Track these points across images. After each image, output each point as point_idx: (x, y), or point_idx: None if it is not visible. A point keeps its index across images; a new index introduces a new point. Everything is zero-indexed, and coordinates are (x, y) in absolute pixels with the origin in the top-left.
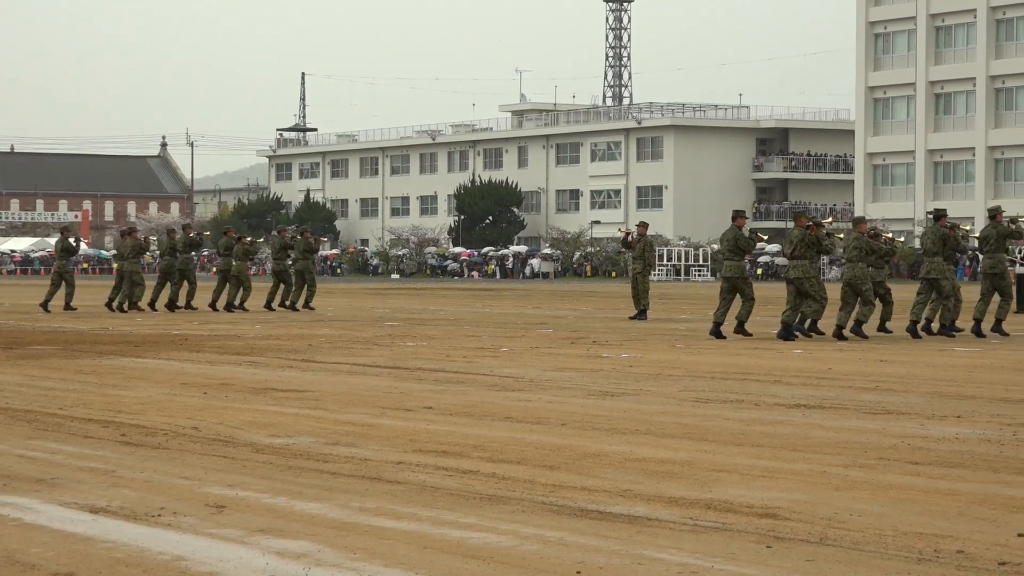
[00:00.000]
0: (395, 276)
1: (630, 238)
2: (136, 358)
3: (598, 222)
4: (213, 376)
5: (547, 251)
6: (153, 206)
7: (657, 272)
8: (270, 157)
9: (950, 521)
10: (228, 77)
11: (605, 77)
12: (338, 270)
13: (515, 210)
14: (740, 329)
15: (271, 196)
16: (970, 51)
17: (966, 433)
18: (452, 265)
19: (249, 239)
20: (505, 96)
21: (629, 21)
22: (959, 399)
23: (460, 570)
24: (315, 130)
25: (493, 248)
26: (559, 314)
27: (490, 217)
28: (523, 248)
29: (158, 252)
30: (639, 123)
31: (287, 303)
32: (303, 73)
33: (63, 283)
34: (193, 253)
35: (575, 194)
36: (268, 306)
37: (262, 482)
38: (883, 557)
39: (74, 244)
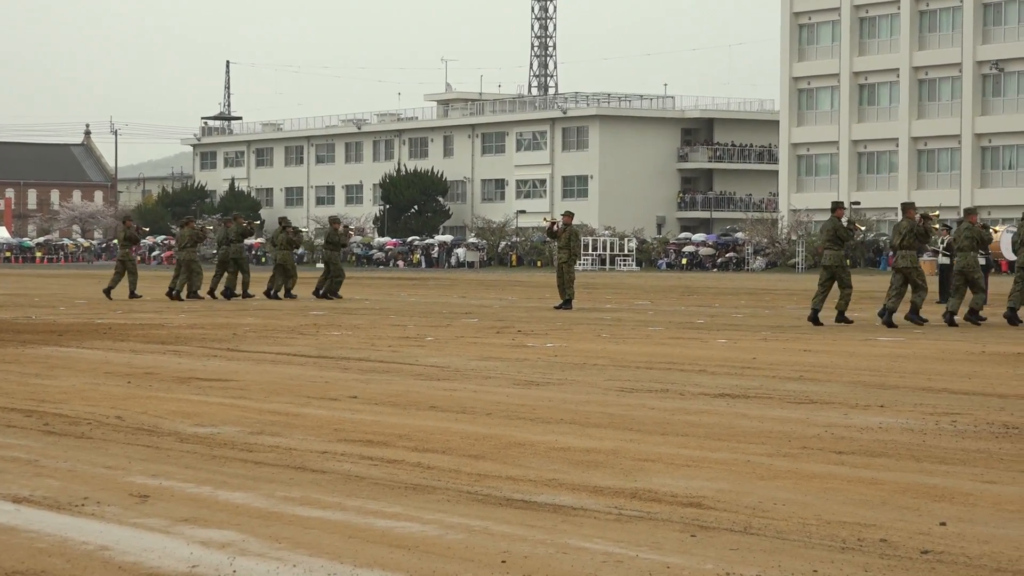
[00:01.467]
0: (320, 265)
1: (555, 228)
2: (59, 347)
3: (523, 211)
4: (137, 365)
5: (472, 240)
6: (77, 194)
7: (582, 262)
8: (195, 146)
9: (873, 510)
10: (153, 65)
11: (531, 67)
12: (263, 259)
13: (440, 199)
14: (841, 318)
15: (195, 185)
16: (894, 42)
17: (889, 422)
18: (377, 254)
19: (295, 229)
20: (431, 85)
21: (555, 11)
22: (882, 389)
23: (385, 559)
24: (240, 119)
25: (418, 237)
26: (484, 303)
27: (415, 206)
28: (448, 237)
29: (216, 241)
30: (565, 113)
31: (188, 291)
32: (228, 62)
33: (126, 272)
34: (245, 242)
35: (500, 183)
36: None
37: (186, 471)
38: (807, 546)
39: (137, 233)
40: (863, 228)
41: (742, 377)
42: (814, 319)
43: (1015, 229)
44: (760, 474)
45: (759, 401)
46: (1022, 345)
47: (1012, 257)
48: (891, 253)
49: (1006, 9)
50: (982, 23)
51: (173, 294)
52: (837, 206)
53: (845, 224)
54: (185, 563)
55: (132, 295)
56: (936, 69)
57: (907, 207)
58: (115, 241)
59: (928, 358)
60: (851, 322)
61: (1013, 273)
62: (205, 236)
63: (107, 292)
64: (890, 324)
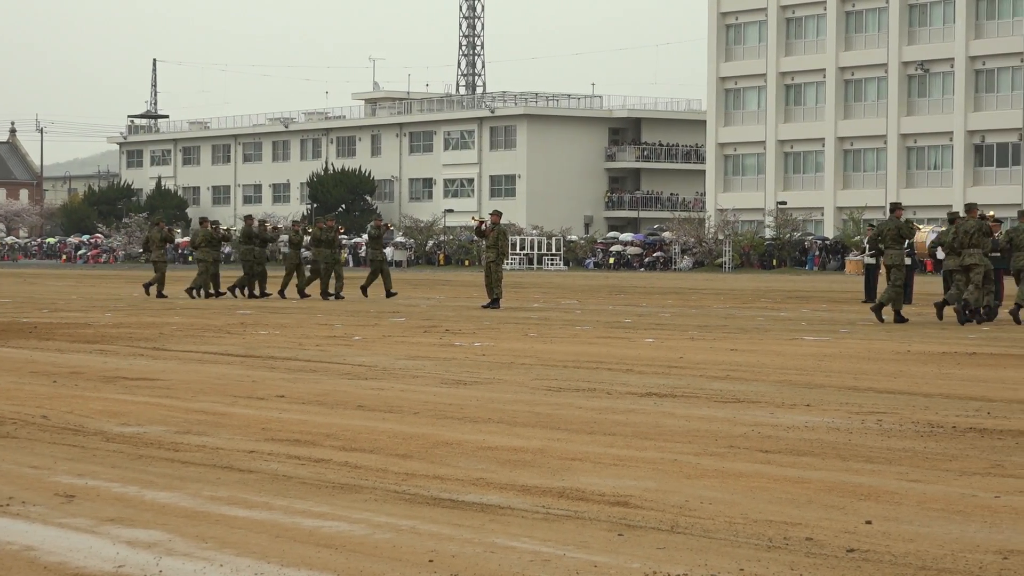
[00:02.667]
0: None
1: (483, 227)
2: None
3: (451, 211)
4: (63, 364)
5: (400, 239)
6: (2, 193)
7: (510, 261)
8: (121, 144)
9: (799, 508)
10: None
11: (459, 66)
12: (189, 258)
13: (368, 198)
14: (879, 310)
15: (122, 183)
16: (820, 42)
17: (815, 421)
18: (305, 253)
19: (330, 225)
20: (358, 84)
21: (483, 10)
22: (808, 388)
23: (312, 559)
24: (167, 117)
25: (346, 236)
26: (412, 302)
27: (343, 205)
28: None
29: (288, 242)
30: (492, 112)
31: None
32: (155, 60)
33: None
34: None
35: (428, 183)
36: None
37: (112, 471)
38: (733, 544)
39: (169, 234)
40: (920, 227)
41: (669, 376)
42: (878, 313)
43: (941, 229)
44: (687, 473)
45: (686, 400)
46: (947, 345)
47: (938, 257)
48: (945, 253)
49: (931, 10)
50: (907, 24)
51: (222, 292)
52: (896, 207)
53: (905, 223)
54: (111, 563)
55: (160, 295)
56: (862, 70)
57: (970, 208)
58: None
59: (854, 357)
60: (893, 321)
61: (939, 273)
62: (228, 238)
63: (161, 293)
64: (982, 318)
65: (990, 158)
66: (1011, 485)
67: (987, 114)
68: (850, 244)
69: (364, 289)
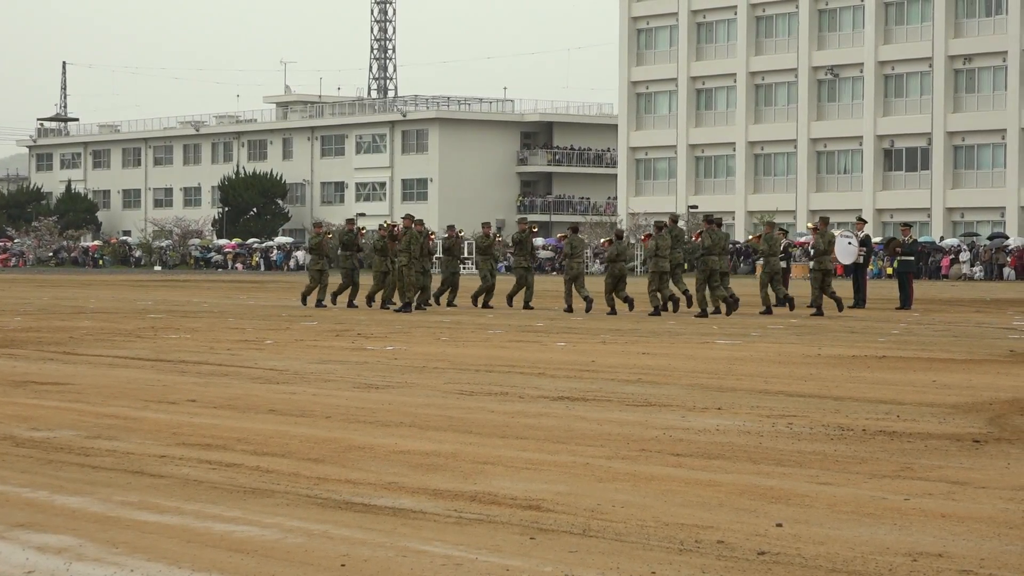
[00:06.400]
0: (158, 268)
1: (395, 231)
2: None
3: (363, 214)
4: None
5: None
6: None
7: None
8: (30, 147)
9: (711, 512)
10: None
11: (370, 69)
12: (100, 261)
13: (280, 202)
14: None
15: (32, 187)
16: (731, 47)
17: (726, 424)
18: (216, 257)
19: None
20: (270, 87)
21: (394, 14)
22: (720, 391)
23: (224, 563)
24: (76, 120)
25: (258, 240)
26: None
27: (255, 209)
28: (288, 240)
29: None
30: (404, 116)
31: None
32: (64, 62)
33: (322, 275)
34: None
35: (340, 186)
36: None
37: (22, 476)
38: (645, 548)
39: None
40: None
41: (581, 380)
42: None
43: (849, 234)
44: (599, 476)
45: (598, 404)
46: (857, 348)
47: (847, 261)
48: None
49: (841, 15)
50: (817, 29)
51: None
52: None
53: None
54: (20, 568)
55: (319, 304)
56: (772, 74)
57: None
58: (306, 246)
59: (765, 361)
60: None
61: (847, 276)
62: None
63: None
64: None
65: (899, 163)
66: (920, 487)
67: (896, 119)
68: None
69: (510, 298)
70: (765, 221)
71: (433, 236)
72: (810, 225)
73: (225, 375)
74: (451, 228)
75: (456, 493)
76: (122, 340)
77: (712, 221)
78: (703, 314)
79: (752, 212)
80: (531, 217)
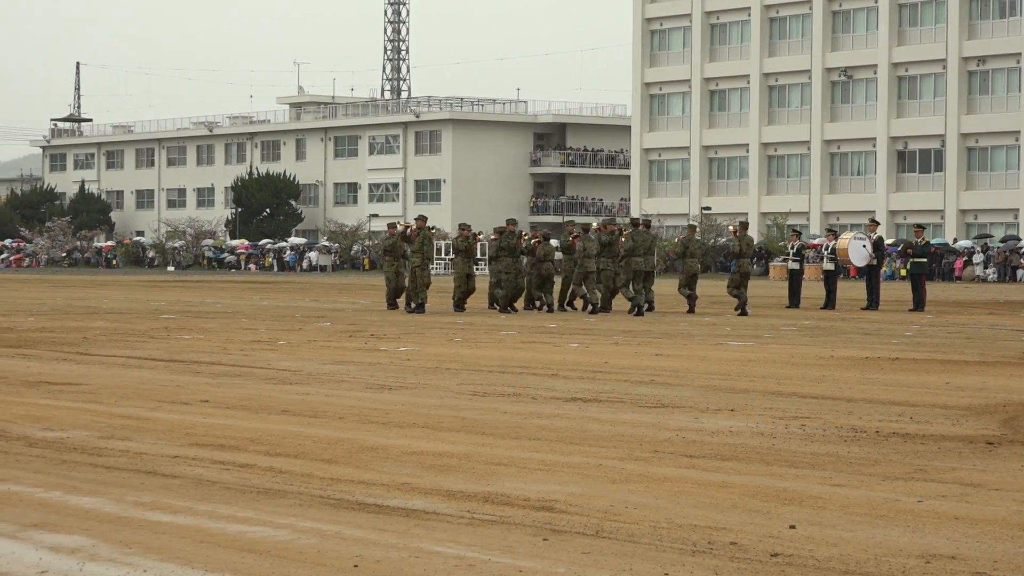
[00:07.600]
0: (171, 268)
1: (409, 232)
2: None
3: (376, 215)
4: None
5: (325, 244)
6: None
7: (435, 266)
8: (44, 147)
9: (723, 513)
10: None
11: (383, 70)
12: (113, 262)
13: (293, 203)
14: None
15: (45, 187)
16: (744, 48)
17: (739, 426)
18: (229, 258)
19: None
20: (283, 88)
21: (408, 15)
22: (732, 393)
23: (237, 564)
24: (90, 120)
25: (271, 240)
26: (337, 307)
27: (268, 210)
28: (301, 241)
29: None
30: (417, 117)
31: None
32: (78, 63)
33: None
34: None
35: (353, 187)
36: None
37: (35, 476)
38: (658, 549)
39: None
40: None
41: (594, 381)
42: None
43: (863, 236)
44: (612, 478)
45: (611, 405)
46: (870, 350)
47: (860, 263)
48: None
49: (854, 17)
50: (831, 31)
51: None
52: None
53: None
54: (34, 568)
55: (391, 305)
56: (786, 76)
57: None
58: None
59: (778, 362)
60: None
61: (861, 278)
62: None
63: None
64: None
65: (913, 164)
66: (933, 489)
67: (910, 120)
68: (774, 249)
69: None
70: (736, 224)
71: (480, 236)
72: (731, 228)
73: (238, 376)
74: (466, 227)
75: (469, 494)
76: (135, 340)
77: (638, 223)
78: (638, 312)
79: (765, 213)
80: (544, 218)
